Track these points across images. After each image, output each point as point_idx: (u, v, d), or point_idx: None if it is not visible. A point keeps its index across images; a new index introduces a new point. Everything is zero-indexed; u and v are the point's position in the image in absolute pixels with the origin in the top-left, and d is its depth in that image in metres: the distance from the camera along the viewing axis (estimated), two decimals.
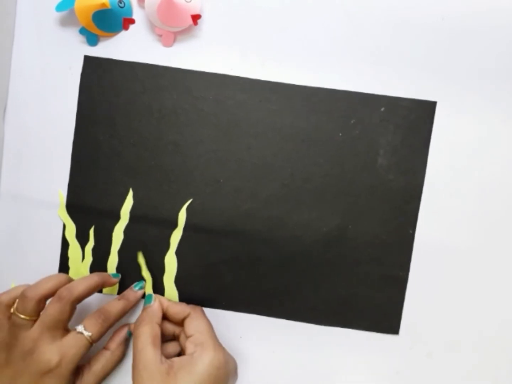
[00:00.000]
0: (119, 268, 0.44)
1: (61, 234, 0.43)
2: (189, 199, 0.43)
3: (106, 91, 0.43)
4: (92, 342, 0.38)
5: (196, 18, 0.41)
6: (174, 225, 0.43)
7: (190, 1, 0.40)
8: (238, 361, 0.43)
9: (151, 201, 0.43)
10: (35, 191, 0.43)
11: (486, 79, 0.42)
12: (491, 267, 0.43)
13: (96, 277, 0.40)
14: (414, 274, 0.43)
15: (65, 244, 0.44)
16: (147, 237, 0.43)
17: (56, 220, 0.43)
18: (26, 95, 0.43)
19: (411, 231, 0.42)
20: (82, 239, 0.44)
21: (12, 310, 0.37)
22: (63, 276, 0.40)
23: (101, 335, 0.39)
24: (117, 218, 0.43)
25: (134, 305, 0.42)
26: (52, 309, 0.37)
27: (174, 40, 0.42)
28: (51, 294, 0.38)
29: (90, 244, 0.43)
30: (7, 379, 0.36)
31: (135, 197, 0.43)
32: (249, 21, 0.42)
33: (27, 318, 0.37)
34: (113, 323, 0.40)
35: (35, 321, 0.37)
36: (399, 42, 0.42)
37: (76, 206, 0.43)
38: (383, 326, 0.43)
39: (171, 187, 0.43)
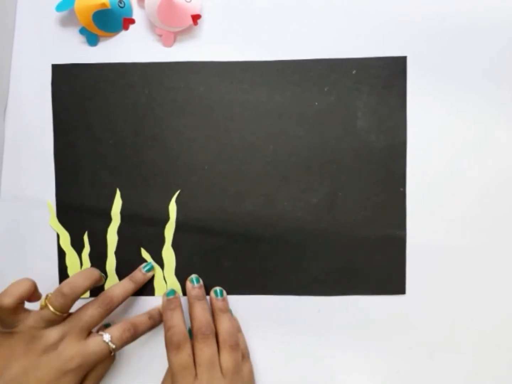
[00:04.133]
0: (118, 269, 0.43)
1: (56, 244, 0.43)
2: (177, 190, 0.43)
3: (79, 96, 0.43)
4: (112, 353, 0.38)
5: (196, 18, 0.41)
6: (166, 218, 0.43)
7: (190, 1, 0.41)
8: None
9: (139, 198, 0.43)
10: (35, 191, 0.43)
11: (485, 77, 0.42)
12: (489, 265, 0.42)
13: (133, 284, 0.41)
14: (409, 266, 0.43)
15: (61, 253, 0.43)
16: (141, 235, 0.43)
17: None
18: (26, 95, 0.43)
19: (401, 189, 0.42)
20: (78, 246, 0.43)
21: (43, 302, 0.37)
22: (95, 273, 0.40)
23: (122, 347, 0.39)
24: (108, 220, 0.43)
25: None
26: (94, 312, 0.38)
27: (174, 40, 0.42)
28: (86, 291, 0.39)
29: (86, 249, 0.43)
30: (24, 369, 0.35)
31: (123, 196, 0.43)
32: (250, 21, 0.42)
33: (59, 314, 0.37)
34: (136, 339, 0.40)
35: (64, 317, 0.37)
36: (398, 41, 0.42)
37: (67, 213, 0.43)
38: (389, 288, 0.43)
39: (157, 181, 0.43)
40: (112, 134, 0.43)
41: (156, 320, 0.42)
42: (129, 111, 0.43)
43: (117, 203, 0.43)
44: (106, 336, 0.37)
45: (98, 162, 0.43)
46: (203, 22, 0.42)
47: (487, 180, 0.42)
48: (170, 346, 0.38)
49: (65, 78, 0.43)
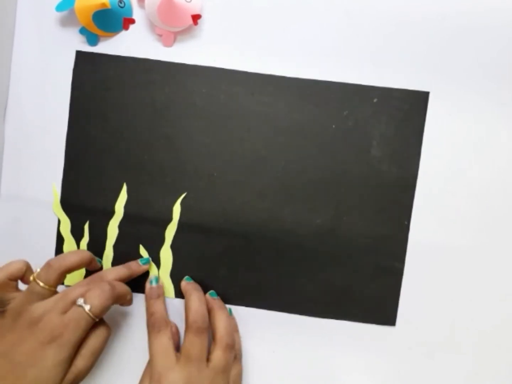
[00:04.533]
0: (114, 263, 0.43)
1: (56, 230, 0.43)
2: (183, 193, 0.43)
3: (98, 86, 0.43)
4: (94, 316, 0.36)
5: (196, 18, 0.41)
6: (169, 219, 0.43)
7: (190, 1, 0.41)
8: None
9: (145, 195, 0.43)
10: (35, 190, 0.43)
11: (485, 77, 0.42)
12: (489, 265, 0.43)
13: (127, 271, 0.41)
14: (410, 266, 0.43)
15: (60, 240, 0.43)
16: (142, 232, 0.43)
17: (56, 218, 0.43)
18: (26, 95, 0.43)
19: (406, 222, 0.43)
20: (77, 235, 0.43)
21: (32, 277, 0.37)
22: (87, 253, 0.40)
23: (103, 309, 0.37)
24: (111, 213, 0.43)
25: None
26: (81, 290, 0.37)
27: (175, 40, 0.42)
28: (74, 269, 0.38)
29: (85, 239, 0.43)
30: (10, 344, 0.35)
31: (129, 191, 0.43)
32: (250, 21, 0.42)
33: (47, 287, 0.37)
34: (117, 297, 0.38)
35: (53, 292, 0.37)
36: (399, 41, 0.42)
37: (71, 201, 0.43)
38: (380, 318, 0.43)
39: (164, 181, 0.43)
40: (126, 128, 0.43)
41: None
42: (147, 107, 0.43)
43: (122, 198, 0.43)
44: (80, 300, 0.36)
45: (108, 155, 0.43)
46: (203, 22, 0.42)
47: (487, 180, 0.42)
48: (152, 329, 0.39)
49: (87, 66, 0.43)
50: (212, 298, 0.42)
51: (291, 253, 0.43)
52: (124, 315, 0.44)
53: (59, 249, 0.43)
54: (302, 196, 0.42)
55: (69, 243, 0.43)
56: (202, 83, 0.42)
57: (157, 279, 0.43)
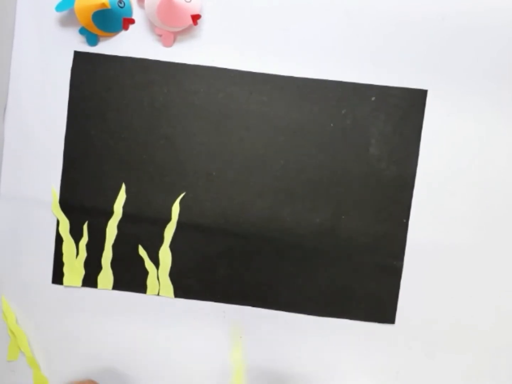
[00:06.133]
0: (113, 263, 0.43)
1: (55, 230, 0.43)
2: (182, 192, 0.43)
3: (97, 86, 0.43)
4: None
5: (196, 18, 0.41)
6: (168, 219, 0.43)
7: (190, 1, 0.41)
8: None
9: (144, 195, 0.43)
10: (35, 190, 0.43)
11: (485, 77, 0.42)
12: (488, 263, 0.43)
13: None
14: (409, 264, 0.43)
15: (59, 240, 0.43)
16: (141, 232, 0.43)
17: (55, 219, 0.43)
18: (26, 95, 0.43)
19: (404, 220, 0.43)
20: (76, 235, 0.43)
21: None
22: None
23: None
24: (110, 213, 0.43)
25: None
26: None
27: (174, 40, 0.42)
28: None
29: (84, 239, 0.43)
30: None
31: (127, 191, 0.43)
32: (250, 21, 0.42)
33: None
34: None
35: None
36: (398, 41, 0.42)
37: (69, 201, 0.43)
38: (379, 316, 0.43)
39: (163, 181, 0.43)
40: (125, 128, 0.43)
41: None
42: (146, 107, 0.43)
43: (121, 198, 0.43)
44: None
45: (107, 154, 0.43)
46: (203, 22, 0.42)
47: (486, 179, 0.42)
48: None
49: (85, 66, 0.43)
50: None
51: (291, 252, 0.43)
52: (124, 315, 0.44)
53: (58, 250, 0.43)
54: (301, 195, 0.42)
55: (68, 244, 0.43)
56: (201, 83, 0.42)
57: None
